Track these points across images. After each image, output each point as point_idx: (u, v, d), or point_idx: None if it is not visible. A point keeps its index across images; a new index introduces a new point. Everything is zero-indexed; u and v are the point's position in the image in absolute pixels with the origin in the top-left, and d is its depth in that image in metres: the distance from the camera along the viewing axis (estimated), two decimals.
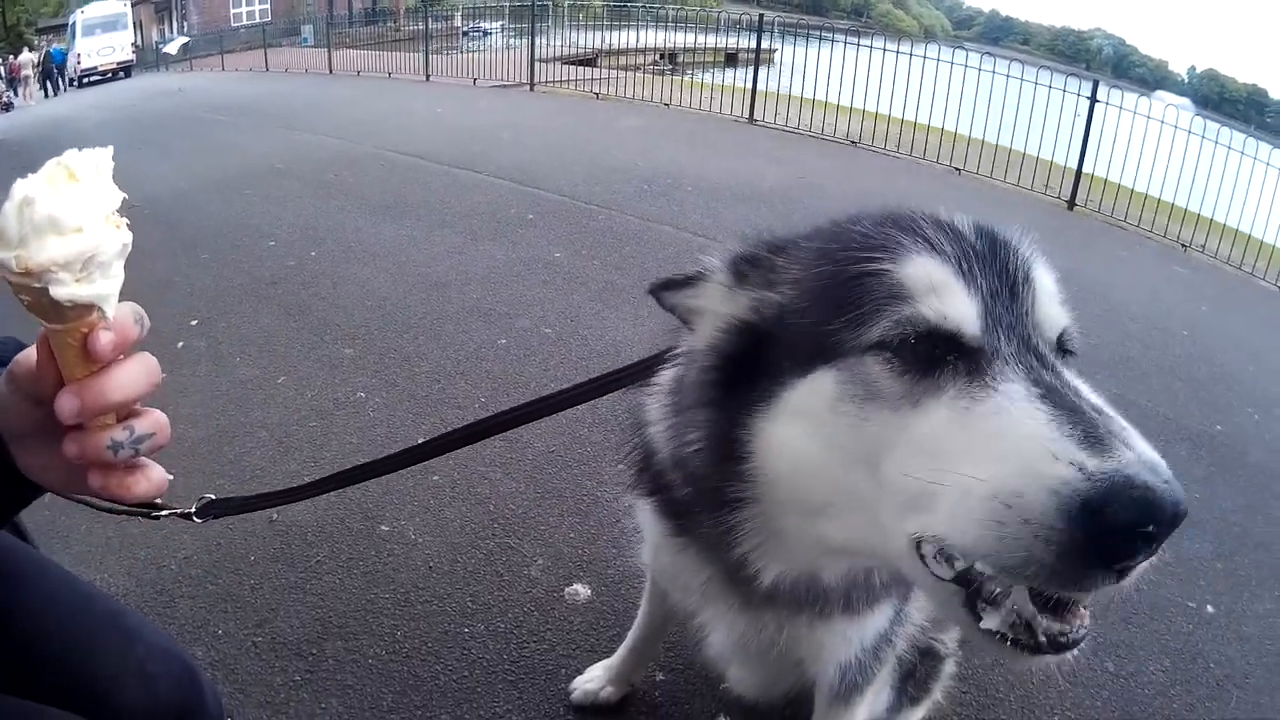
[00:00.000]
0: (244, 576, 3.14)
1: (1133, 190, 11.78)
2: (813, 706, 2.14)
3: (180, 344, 4.87)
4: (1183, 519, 1.01)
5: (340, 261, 6.24)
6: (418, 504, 3.56)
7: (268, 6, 45.97)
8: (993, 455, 1.10)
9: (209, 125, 11.80)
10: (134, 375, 0.99)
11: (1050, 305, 1.31)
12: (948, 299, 1.23)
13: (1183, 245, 11.10)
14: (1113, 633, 3.38)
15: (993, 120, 12.85)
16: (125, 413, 1.01)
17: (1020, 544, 1.03)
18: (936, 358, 1.21)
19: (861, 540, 1.30)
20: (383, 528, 3.42)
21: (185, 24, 44.62)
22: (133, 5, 38.25)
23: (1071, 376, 1.20)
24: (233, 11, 45.73)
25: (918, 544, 1.16)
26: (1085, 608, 1.16)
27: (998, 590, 1.14)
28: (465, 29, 31.05)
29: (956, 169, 12.39)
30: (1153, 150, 11.62)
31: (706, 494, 1.48)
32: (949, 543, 1.12)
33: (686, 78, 19.76)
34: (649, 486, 1.68)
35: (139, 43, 38.07)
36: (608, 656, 2.75)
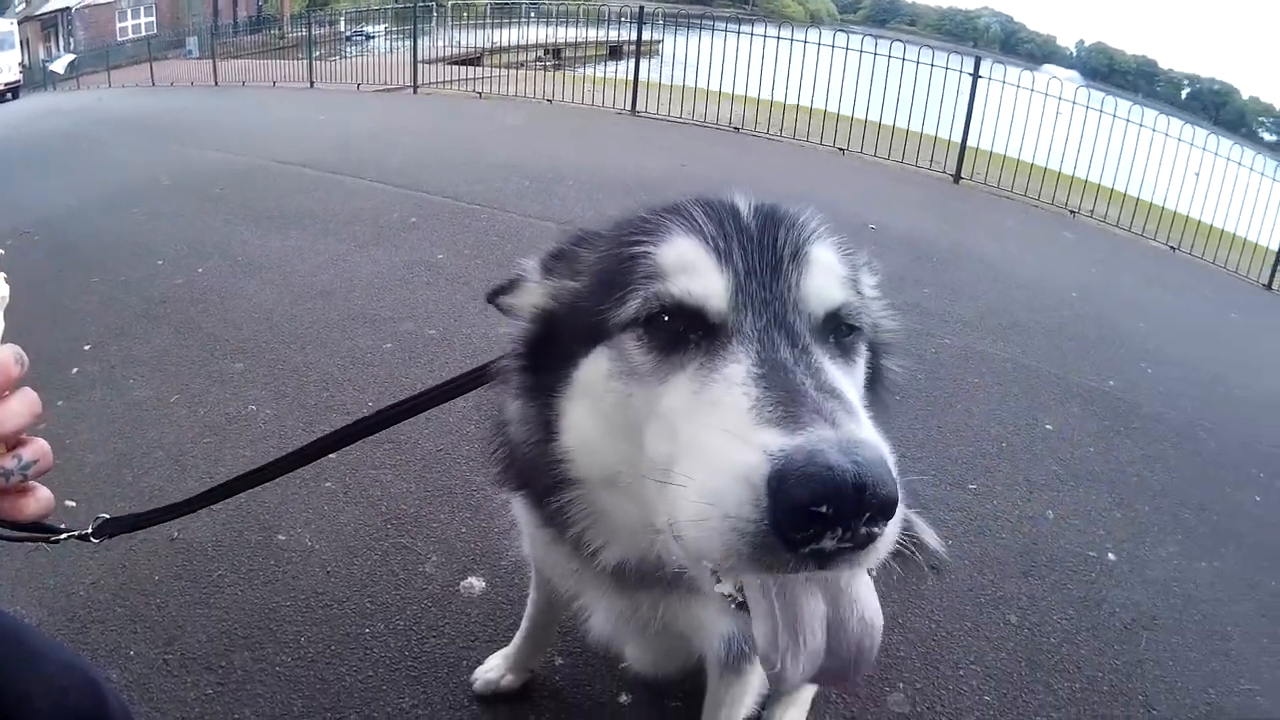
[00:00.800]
0: (150, 596, 3.12)
1: (1018, 161, 12.05)
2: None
3: (75, 369, 4.75)
4: (878, 506, 0.95)
5: (227, 276, 6.15)
6: (312, 511, 3.57)
7: (153, 19, 44.52)
8: (701, 448, 1.10)
9: (97, 143, 11.44)
10: (17, 410, 1.11)
11: (821, 281, 1.32)
12: (695, 276, 1.27)
13: (1071, 211, 11.42)
14: (1012, 586, 3.50)
15: (878, 102, 12.99)
16: (12, 443, 1.12)
17: (718, 537, 1.02)
18: (684, 335, 1.25)
19: (645, 514, 1.28)
20: (280, 537, 3.42)
21: (72, 40, 43.00)
22: (18, 24, 36.82)
23: (819, 353, 1.22)
24: (118, 25, 44.13)
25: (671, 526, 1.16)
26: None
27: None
28: (348, 34, 30.50)
29: (841, 149, 12.59)
30: (1038, 122, 11.86)
31: (539, 478, 1.53)
32: (679, 536, 1.11)
33: (570, 73, 19.68)
34: (516, 481, 1.70)
35: (26, 62, 36.63)
36: (506, 645, 2.80)
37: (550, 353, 1.47)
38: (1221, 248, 11.30)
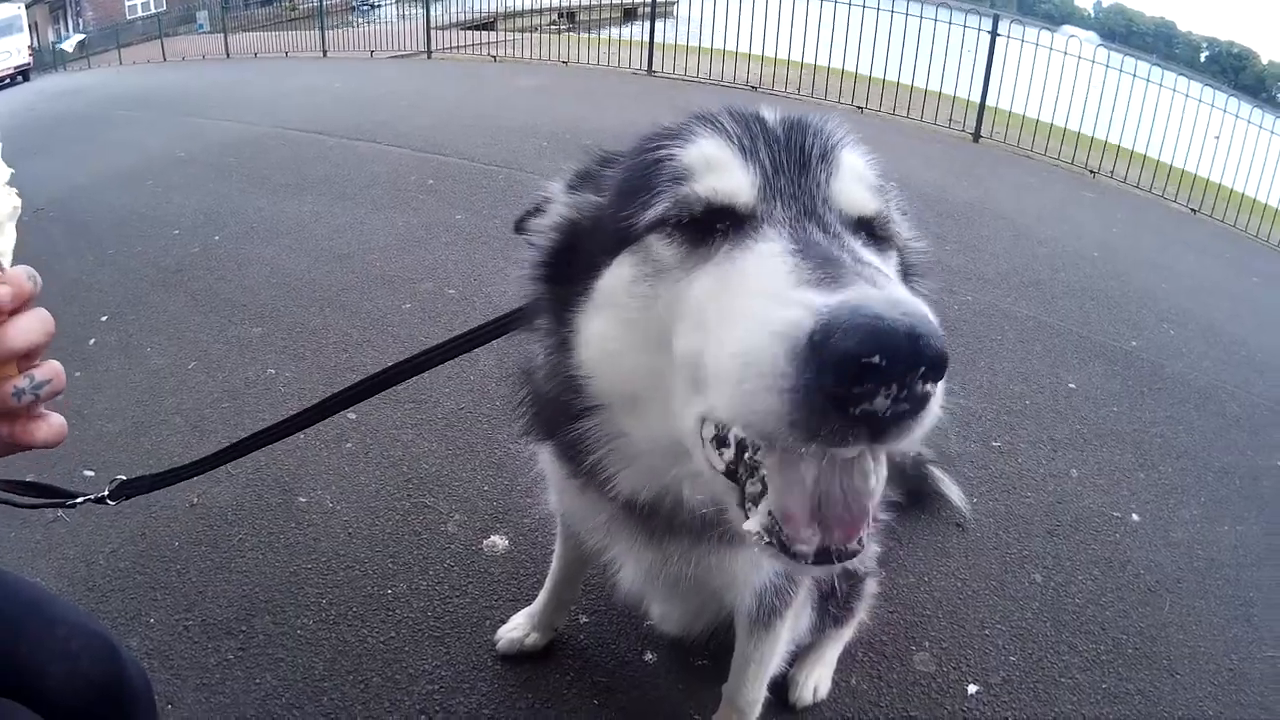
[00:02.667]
0: (170, 563, 3.09)
1: (1037, 121, 11.86)
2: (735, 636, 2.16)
3: (92, 341, 4.74)
4: (931, 356, 0.89)
5: (244, 243, 6.11)
6: (333, 473, 3.53)
7: None
8: (732, 314, 1.05)
9: (109, 121, 11.43)
10: (32, 325, 1.06)
11: (853, 184, 1.28)
12: (723, 173, 1.23)
13: (1091, 171, 11.16)
14: (1037, 545, 3.43)
15: (896, 60, 12.78)
16: (25, 365, 1.08)
17: (758, 399, 0.95)
18: (710, 227, 1.20)
19: (668, 431, 1.24)
20: (300, 500, 3.38)
21: (80, 20, 43.07)
22: (26, 7, 36.87)
23: (853, 241, 1.17)
24: (127, 4, 44.20)
25: (702, 426, 1.12)
26: (861, 525, 1.07)
27: (758, 489, 1.08)
28: (354, 4, 30.34)
29: (859, 108, 12.37)
30: (1057, 82, 11.66)
31: (559, 408, 1.48)
32: (715, 414, 1.07)
33: (585, 35, 19.54)
34: (544, 429, 1.66)
35: (35, 44, 36.69)
36: (530, 604, 2.75)
37: (572, 266, 1.42)
38: (1242, 212, 11.11)
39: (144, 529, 3.24)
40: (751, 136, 1.28)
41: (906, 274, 1.49)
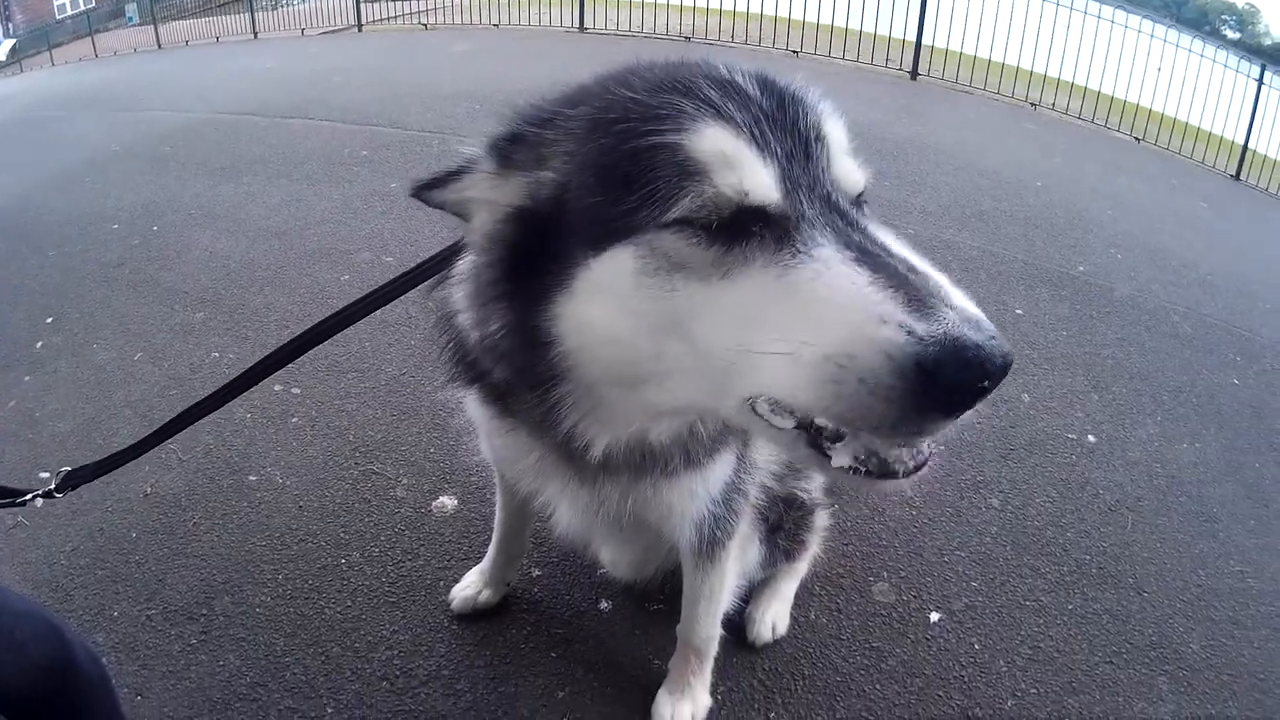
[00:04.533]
0: (129, 555, 3.05)
1: (975, 58, 11.88)
2: None
3: (39, 344, 4.63)
4: (1011, 366, 1.03)
5: (183, 230, 5.98)
6: (281, 448, 3.49)
7: None
8: (819, 320, 1.09)
9: (42, 124, 11.18)
10: None
11: (847, 162, 1.30)
12: (745, 172, 1.18)
13: (1032, 104, 11.28)
14: (992, 470, 3.45)
15: (830, 3, 12.75)
16: None
17: (858, 400, 1.04)
18: (742, 229, 1.17)
19: (690, 403, 1.33)
20: (250, 478, 3.34)
21: (9, 25, 42.14)
22: None
23: (877, 231, 1.20)
24: (55, 3, 43.29)
25: (752, 404, 1.18)
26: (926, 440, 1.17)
27: (833, 430, 1.16)
28: None
29: (794, 52, 12.36)
30: (993, 19, 11.78)
31: (522, 374, 1.43)
32: (784, 402, 1.13)
33: None
34: (468, 375, 1.61)
35: None
36: (481, 561, 2.74)
37: (533, 256, 1.34)
38: (1186, 140, 11.24)
39: (101, 524, 3.20)
40: (755, 121, 1.23)
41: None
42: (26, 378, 4.27)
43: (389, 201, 6.09)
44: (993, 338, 1.03)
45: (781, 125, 1.24)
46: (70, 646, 1.72)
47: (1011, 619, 2.84)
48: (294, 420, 3.65)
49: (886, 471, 1.17)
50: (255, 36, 19.12)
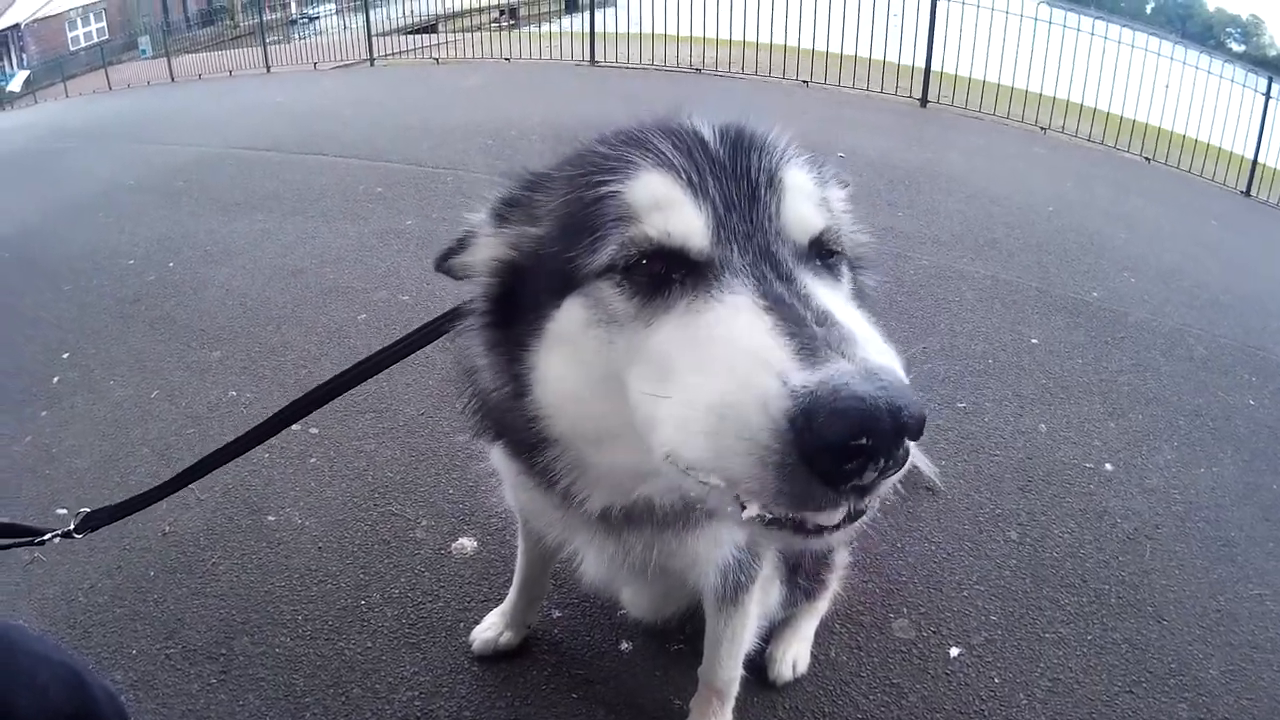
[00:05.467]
0: (147, 593, 3.06)
1: (984, 83, 11.93)
2: None
3: (56, 379, 4.66)
4: (913, 426, 0.92)
5: (199, 267, 6.03)
6: (300, 489, 3.51)
7: (104, 24, 43.97)
8: (712, 367, 1.04)
9: (57, 155, 11.26)
10: None
11: (801, 207, 1.26)
12: (672, 214, 1.19)
13: (1041, 128, 11.31)
14: (1010, 502, 3.44)
15: (839, 32, 12.74)
16: None
17: (739, 459, 0.97)
18: (666, 276, 1.17)
19: (639, 464, 1.24)
20: (269, 518, 3.36)
21: (24, 56, 42.50)
22: None
23: (811, 281, 1.16)
24: (69, 35, 43.63)
25: (672, 461, 1.10)
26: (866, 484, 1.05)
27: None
28: (293, 18, 30.04)
29: (805, 82, 12.44)
30: (1001, 43, 11.81)
31: (516, 432, 1.47)
32: (680, 456, 1.06)
33: (528, 30, 19.43)
34: (492, 430, 1.64)
35: None
36: (502, 603, 2.75)
37: (516, 305, 1.39)
38: (1197, 157, 11.24)
39: (120, 562, 3.21)
40: (697, 167, 1.24)
41: (854, 267, 1.46)
42: (43, 413, 4.29)
43: (404, 239, 6.13)
44: (883, 387, 0.92)
45: (728, 172, 1.25)
46: (90, 689, 1.73)
47: (1031, 652, 2.84)
48: (312, 461, 3.67)
49: (797, 524, 1.05)
50: (268, 70, 19.25)
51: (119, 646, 2.86)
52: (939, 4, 11.76)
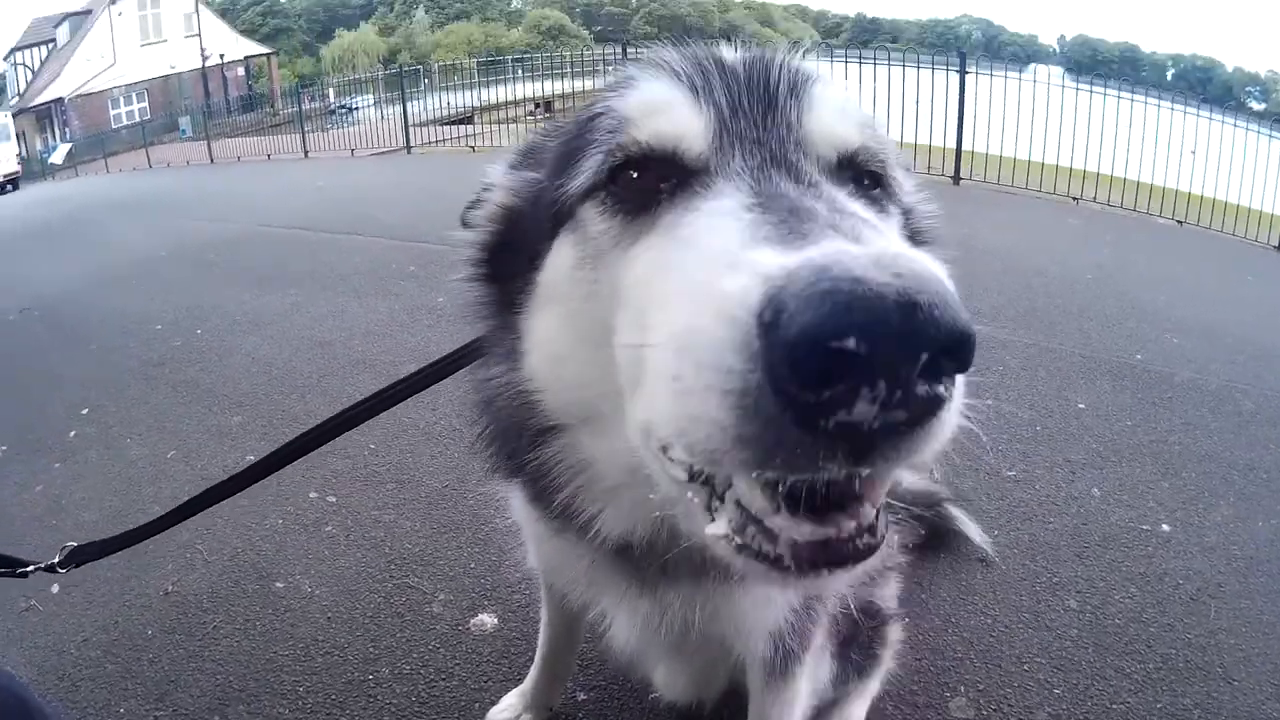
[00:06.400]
0: (142, 651, 2.96)
1: (1015, 160, 12.06)
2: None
3: (72, 433, 4.68)
4: (938, 331, 0.64)
5: (226, 335, 6.05)
6: (312, 556, 3.40)
7: (145, 104, 45.37)
8: (675, 292, 0.83)
9: (95, 225, 11.50)
10: None
11: (829, 119, 1.08)
12: (666, 115, 1.05)
13: (1074, 199, 11.44)
14: (1067, 570, 3.32)
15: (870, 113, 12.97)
16: None
17: (694, 404, 0.72)
18: (652, 192, 1.01)
19: (625, 451, 1.00)
20: (277, 585, 3.24)
21: (67, 129, 43.75)
22: (13, 116, 37.39)
23: (839, 192, 0.97)
24: (112, 113, 45.02)
25: (648, 437, 0.88)
26: (866, 504, 0.81)
27: (727, 483, 0.85)
28: (332, 108, 30.71)
29: None
30: (1030, 119, 11.96)
31: (518, 434, 1.29)
32: (650, 428, 0.85)
33: None
34: (508, 465, 1.45)
35: (23, 153, 37.20)
36: (522, 683, 2.60)
37: (514, 259, 1.24)
38: (1228, 217, 11.33)
39: (116, 617, 3.13)
40: (704, 74, 1.09)
41: (915, 240, 1.29)
42: (57, 464, 4.29)
43: (435, 315, 6.12)
44: (898, 274, 0.65)
45: (741, 80, 1.08)
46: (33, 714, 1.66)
47: None
48: (328, 529, 3.57)
49: (768, 557, 0.81)
50: (306, 155, 19.70)
51: (106, 704, 2.76)
52: (967, 80, 11.99)
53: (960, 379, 0.71)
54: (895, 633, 2.44)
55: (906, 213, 1.29)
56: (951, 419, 0.74)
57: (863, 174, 1.09)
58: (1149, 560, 3.40)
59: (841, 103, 1.11)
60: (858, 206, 0.94)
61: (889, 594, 2.29)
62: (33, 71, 50.37)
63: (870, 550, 0.81)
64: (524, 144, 1.39)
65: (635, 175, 1.03)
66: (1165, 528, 3.60)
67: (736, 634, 1.63)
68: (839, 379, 0.63)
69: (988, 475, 3.93)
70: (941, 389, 0.68)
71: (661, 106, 1.05)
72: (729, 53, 1.15)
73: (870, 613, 2.20)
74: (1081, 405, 4.74)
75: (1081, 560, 3.38)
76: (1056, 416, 4.61)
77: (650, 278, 0.93)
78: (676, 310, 0.79)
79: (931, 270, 0.68)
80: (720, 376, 0.69)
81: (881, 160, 1.12)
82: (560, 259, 1.11)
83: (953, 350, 0.66)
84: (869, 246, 0.71)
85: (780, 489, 0.79)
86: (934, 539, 3.15)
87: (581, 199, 1.07)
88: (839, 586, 0.77)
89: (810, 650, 1.81)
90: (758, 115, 1.04)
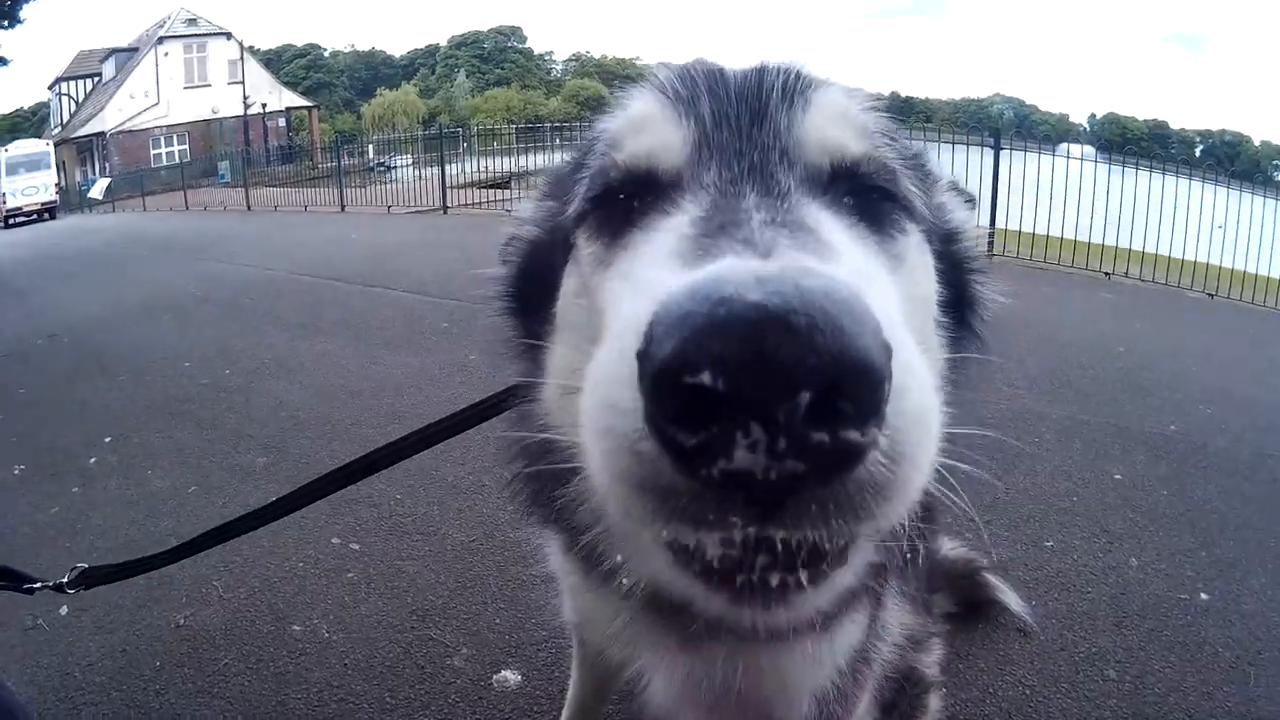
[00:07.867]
0: (149, 683, 2.93)
1: (1047, 237, 12.23)
2: None
3: (93, 460, 4.70)
4: (824, 360, 0.55)
5: (255, 377, 6.09)
6: (331, 601, 3.36)
7: (186, 147, 46.18)
8: (609, 320, 0.82)
9: (129, 260, 11.65)
10: None
11: (822, 125, 1.04)
12: (646, 133, 1.03)
13: (1106, 274, 11.56)
14: (1106, 640, 3.27)
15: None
16: None
17: (602, 445, 0.67)
18: (628, 213, 0.99)
19: None
20: (294, 628, 3.20)
21: (107, 164, 44.55)
22: (55, 146, 38.07)
23: (816, 210, 0.91)
24: (153, 153, 45.88)
25: None
26: (806, 590, 0.73)
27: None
28: (370, 164, 31.12)
29: None
30: (1062, 197, 12.21)
31: (546, 473, 1.17)
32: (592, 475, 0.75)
33: None
34: (540, 511, 1.40)
35: (63, 184, 37.86)
36: None
37: (537, 290, 1.21)
38: (1259, 290, 11.48)
39: (125, 645, 3.11)
40: (692, 84, 1.06)
41: (958, 267, 1.23)
42: (75, 489, 4.30)
43: (467, 373, 6.13)
44: (776, 293, 0.57)
45: (733, 90, 1.05)
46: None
47: None
48: (349, 575, 3.53)
49: (698, 567, 0.74)
50: (343, 210, 19.94)
51: None
52: (1000, 156, 12.22)
53: (934, 426, 0.63)
54: (935, 701, 2.37)
55: (948, 237, 1.22)
56: (910, 475, 0.64)
57: (868, 187, 1.04)
58: (1188, 629, 3.35)
59: (842, 108, 1.08)
60: (825, 220, 0.89)
61: (932, 659, 2.23)
62: (76, 103, 51.48)
63: (812, 599, 0.74)
64: (550, 173, 1.38)
65: (621, 196, 1.02)
66: (1204, 596, 3.56)
67: (781, 695, 1.53)
68: (712, 420, 0.57)
69: (1026, 546, 3.89)
70: (855, 435, 0.58)
71: (643, 123, 1.05)
72: (736, 68, 1.13)
73: (913, 679, 2.13)
74: (1118, 476, 4.70)
75: (1120, 630, 3.33)
76: (1093, 487, 4.57)
77: (604, 306, 0.91)
78: (601, 349, 0.73)
79: (838, 290, 0.59)
80: (615, 416, 0.65)
81: (891, 172, 1.07)
82: (566, 287, 1.10)
83: (845, 388, 0.57)
84: (777, 262, 0.66)
85: (694, 550, 0.72)
86: (972, 608, 3.11)
87: (575, 225, 1.07)
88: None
89: (854, 716, 1.73)
90: (743, 125, 1.01)
